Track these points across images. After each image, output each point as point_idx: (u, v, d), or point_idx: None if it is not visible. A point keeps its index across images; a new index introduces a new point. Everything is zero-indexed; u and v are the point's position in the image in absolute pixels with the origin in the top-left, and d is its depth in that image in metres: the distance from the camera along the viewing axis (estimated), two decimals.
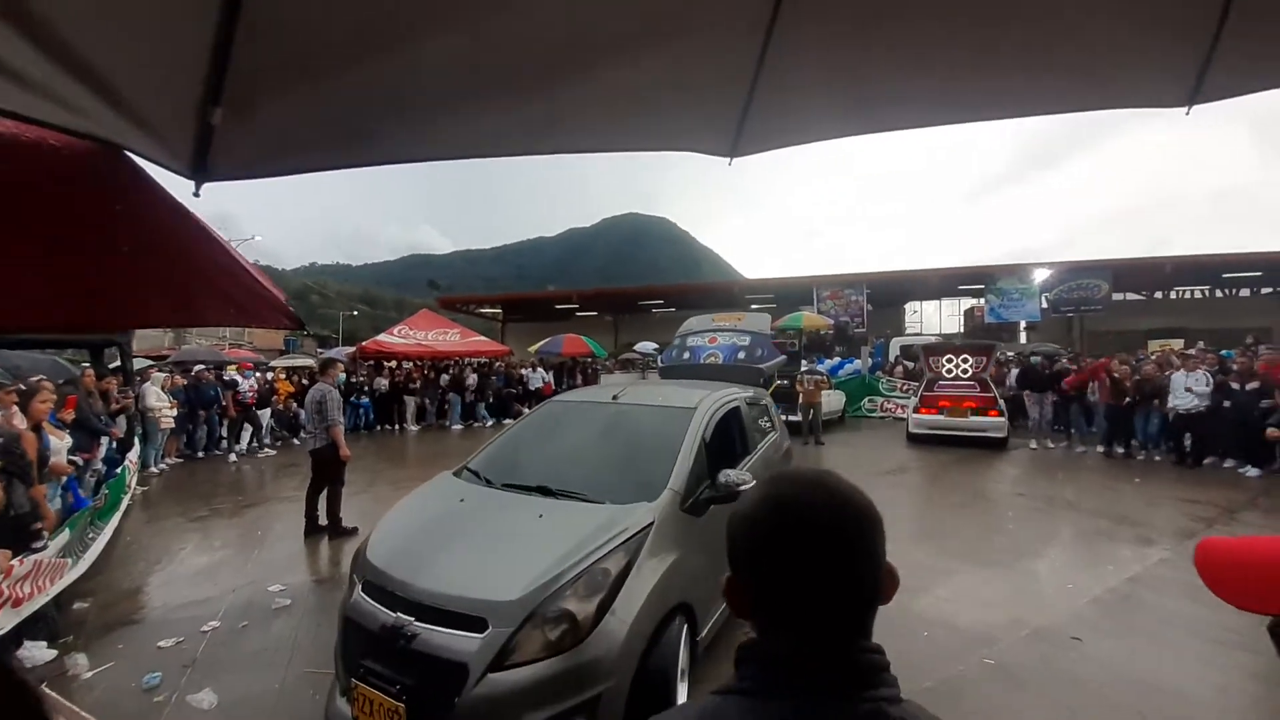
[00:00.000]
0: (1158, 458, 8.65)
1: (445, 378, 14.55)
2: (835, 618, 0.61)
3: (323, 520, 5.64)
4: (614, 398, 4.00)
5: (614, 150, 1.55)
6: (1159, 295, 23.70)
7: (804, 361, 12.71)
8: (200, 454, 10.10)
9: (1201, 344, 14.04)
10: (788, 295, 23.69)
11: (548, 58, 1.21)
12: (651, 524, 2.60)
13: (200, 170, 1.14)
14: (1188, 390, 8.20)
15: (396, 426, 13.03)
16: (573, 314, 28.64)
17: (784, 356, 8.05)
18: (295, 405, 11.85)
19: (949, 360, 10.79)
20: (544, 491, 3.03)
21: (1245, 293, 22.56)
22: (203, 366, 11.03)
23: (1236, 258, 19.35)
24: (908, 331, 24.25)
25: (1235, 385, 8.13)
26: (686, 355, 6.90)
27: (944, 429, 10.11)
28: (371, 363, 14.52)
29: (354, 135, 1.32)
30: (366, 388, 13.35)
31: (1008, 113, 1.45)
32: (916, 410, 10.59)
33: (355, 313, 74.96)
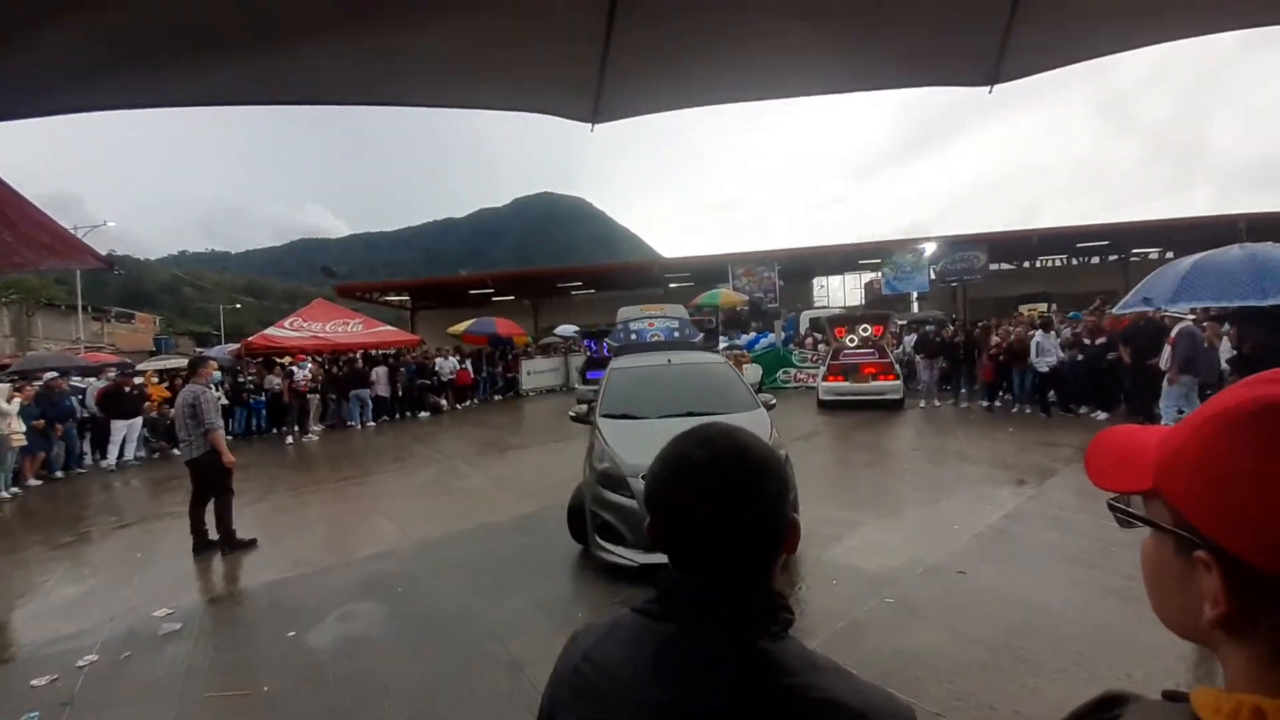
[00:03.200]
0: (1028, 410, 9.79)
1: (342, 371, 13.40)
2: (725, 556, 0.66)
3: (214, 534, 5.11)
4: (668, 360, 5.82)
5: (466, 107, 1.53)
6: (1027, 265, 26.69)
7: (723, 338, 13.09)
8: (60, 473, 8.89)
9: (1054, 306, 15.93)
10: (705, 273, 24.26)
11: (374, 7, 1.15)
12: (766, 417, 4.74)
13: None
14: (1040, 354, 9.31)
15: (295, 429, 11.95)
16: (489, 299, 27.69)
17: (702, 335, 9.40)
18: (171, 410, 10.63)
19: (851, 330, 11.55)
20: (689, 414, 4.62)
21: (1096, 260, 25.91)
22: (54, 374, 9.55)
23: (1088, 229, 22.12)
24: (816, 305, 25.69)
25: (1087, 341, 9.35)
26: (633, 336, 8.33)
27: (849, 394, 10.85)
28: (260, 360, 13.20)
29: (145, 66, 1.17)
30: (254, 386, 12.15)
31: (833, 88, 1.56)
32: (825, 379, 11.28)
33: (238, 305, 67.71)
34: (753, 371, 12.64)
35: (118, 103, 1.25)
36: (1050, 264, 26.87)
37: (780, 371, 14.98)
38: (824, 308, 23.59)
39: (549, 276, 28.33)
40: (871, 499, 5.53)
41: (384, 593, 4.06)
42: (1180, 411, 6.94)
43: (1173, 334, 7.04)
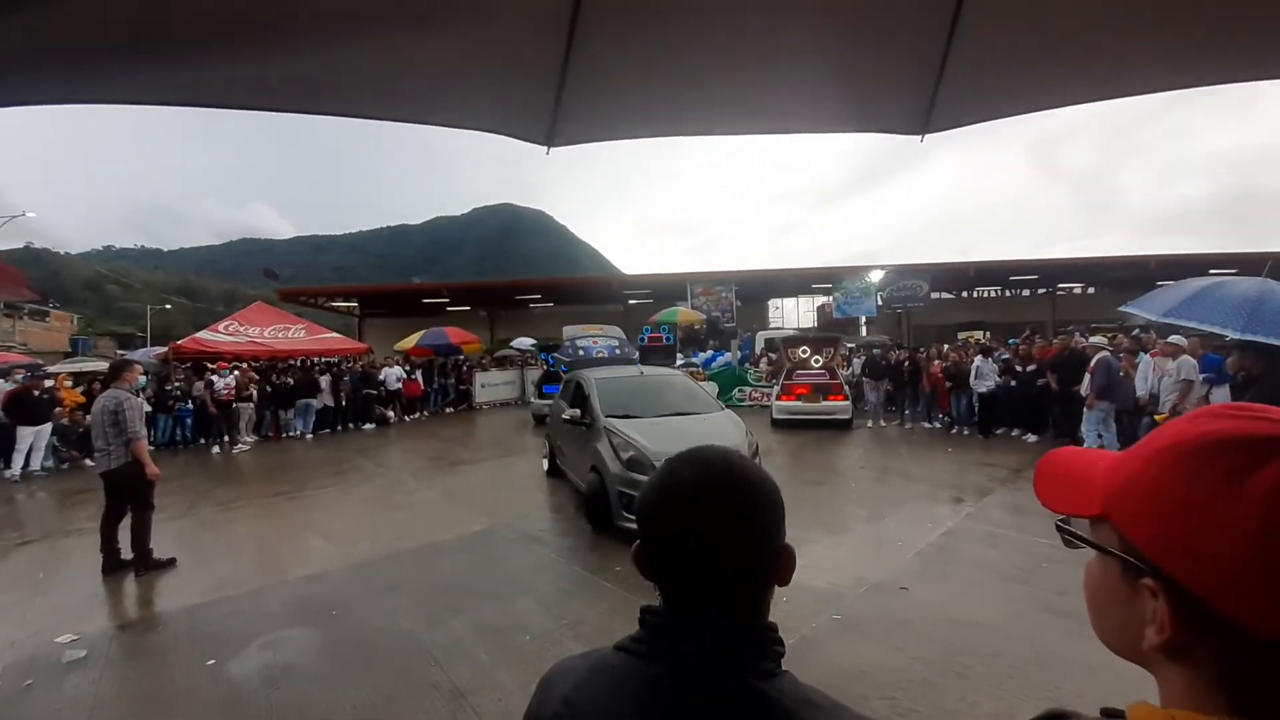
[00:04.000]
0: (966, 431, 10.28)
1: (289, 381, 12.58)
2: (721, 590, 0.64)
3: (126, 554, 4.69)
4: (640, 372, 7.26)
5: (417, 122, 1.53)
6: (965, 294, 28.28)
7: (680, 355, 13.20)
8: None
9: (990, 334, 16.88)
10: (664, 291, 24.48)
11: (333, 18, 1.15)
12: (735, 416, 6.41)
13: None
14: (979, 377, 9.86)
15: (224, 439, 11.20)
16: (443, 309, 26.99)
17: (636, 353, 10.84)
18: (86, 417, 9.80)
19: (803, 351, 11.88)
20: (677, 414, 6.13)
21: (1026, 293, 27.73)
22: None
23: (1019, 264, 23.69)
24: (771, 326, 26.32)
25: (1018, 368, 9.94)
26: (581, 353, 9.58)
27: (801, 414, 11.11)
28: (189, 365, 12.34)
29: (103, 60, 1.15)
30: (181, 393, 11.31)
31: (778, 128, 1.66)
32: (778, 398, 11.52)
33: (168, 306, 62.99)
34: (709, 389, 12.78)
35: (79, 97, 1.21)
36: (986, 294, 28.57)
37: (736, 390, 15.21)
38: (778, 329, 24.20)
39: (506, 288, 27.91)
40: (821, 517, 5.64)
41: (316, 617, 3.81)
42: (1100, 435, 7.45)
43: (1092, 363, 7.58)
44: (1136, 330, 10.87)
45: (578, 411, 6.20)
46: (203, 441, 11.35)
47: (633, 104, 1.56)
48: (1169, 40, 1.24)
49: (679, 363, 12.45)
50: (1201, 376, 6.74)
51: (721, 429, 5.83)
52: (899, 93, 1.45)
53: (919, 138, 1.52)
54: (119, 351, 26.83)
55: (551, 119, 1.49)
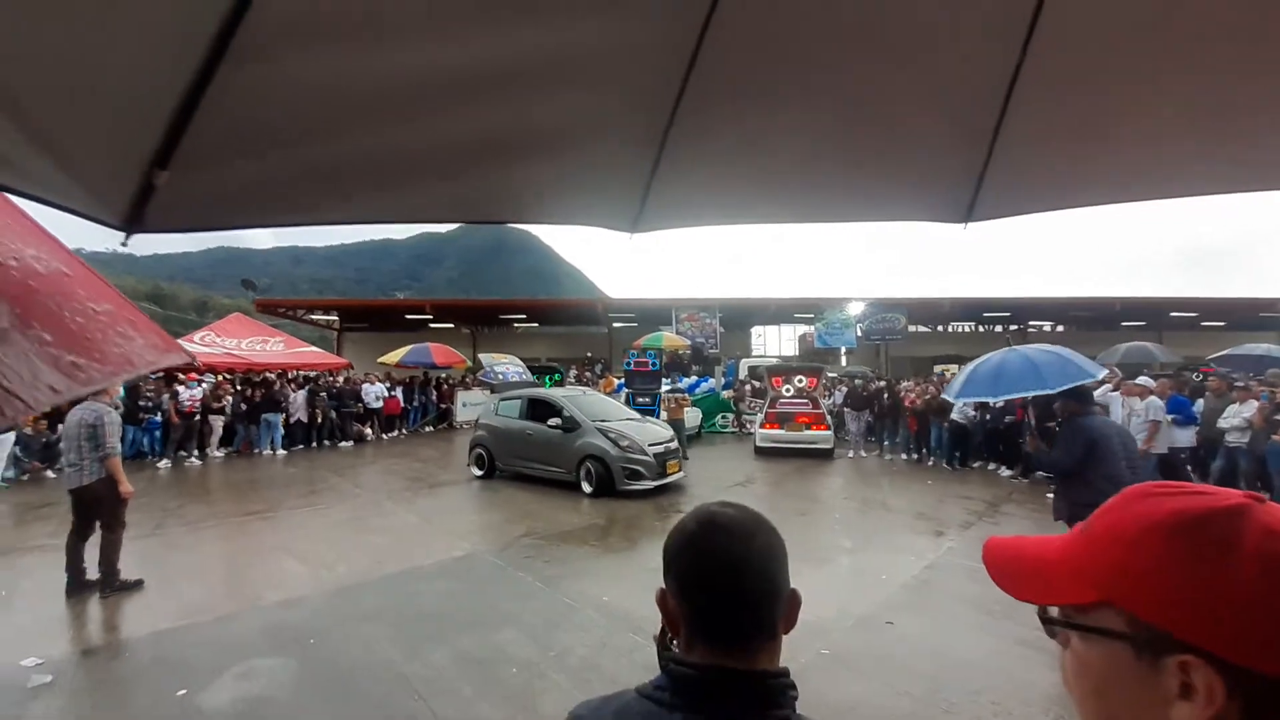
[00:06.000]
0: (944, 464, 10.47)
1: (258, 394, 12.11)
2: (740, 639, 0.68)
3: (92, 574, 4.50)
4: (584, 391, 10.16)
5: (524, 223, 1.74)
6: (940, 329, 29.05)
7: (665, 380, 13.25)
8: None
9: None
10: (648, 315, 24.66)
11: (472, 148, 1.34)
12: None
13: (134, 222, 1.16)
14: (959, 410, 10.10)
15: (178, 453, 10.82)
16: (425, 325, 26.74)
17: (533, 376, 14.02)
18: (47, 427, 9.42)
19: (787, 380, 12.04)
20: (628, 419, 8.85)
21: (999, 328, 28.60)
22: None
23: (992, 301, 24.49)
24: (754, 353, 26.61)
25: (990, 403, 10.21)
26: (500, 376, 12.55)
27: (784, 442, 11.21)
28: (162, 376, 11.95)
29: (284, 200, 1.35)
30: (152, 405, 10.89)
31: (835, 218, 1.82)
32: (762, 426, 11.61)
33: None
34: (692, 415, 12.83)
35: (264, 221, 1.38)
36: (961, 329, 29.40)
37: (719, 416, 15.29)
38: (761, 356, 24.48)
39: (491, 307, 27.81)
40: (806, 548, 5.67)
41: (292, 645, 3.69)
42: None
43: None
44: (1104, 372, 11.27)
45: (558, 420, 8.34)
46: (178, 454, 10.93)
47: (703, 198, 1.70)
48: (1211, 149, 1.38)
49: (664, 388, 12.47)
50: (1169, 417, 7.01)
51: (659, 428, 8.99)
52: (945, 186, 1.58)
53: (962, 226, 1.65)
54: None
55: (638, 210, 1.62)
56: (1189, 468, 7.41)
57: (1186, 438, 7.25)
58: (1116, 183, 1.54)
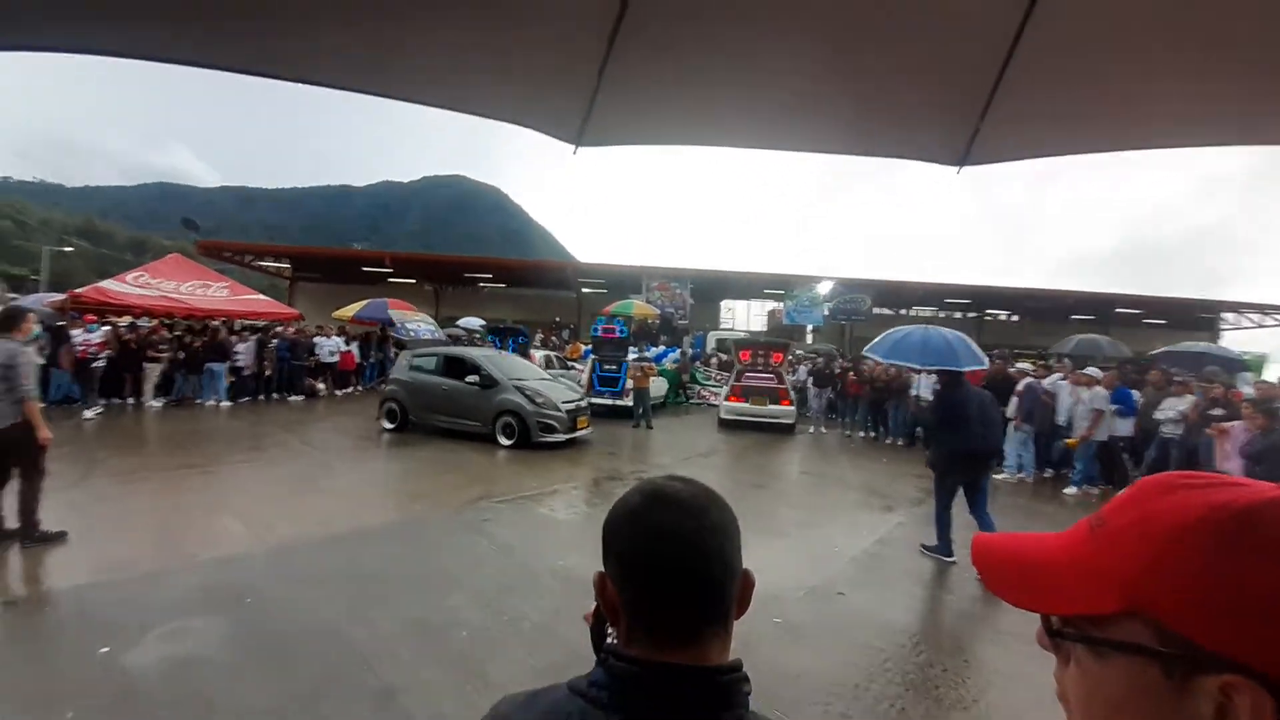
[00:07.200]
0: (900, 441, 10.79)
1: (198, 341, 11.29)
2: (687, 628, 0.60)
3: (11, 523, 4.17)
4: (501, 352, 10.95)
5: (454, 109, 1.49)
6: (904, 312, 29.79)
7: (632, 349, 13.15)
8: None
9: None
10: (619, 282, 24.40)
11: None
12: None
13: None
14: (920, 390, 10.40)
15: (130, 400, 10.14)
16: (384, 279, 25.75)
17: (444, 335, 13.21)
18: None
19: (754, 354, 12.11)
20: (541, 379, 9.68)
21: (959, 315, 29.52)
22: None
23: (953, 288, 25.20)
24: (723, 326, 26.74)
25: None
26: (412, 333, 11.92)
27: (747, 415, 11.33)
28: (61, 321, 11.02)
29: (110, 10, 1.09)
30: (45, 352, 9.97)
31: (817, 148, 1.69)
32: (727, 398, 11.70)
33: (69, 249, 56.20)
34: (658, 385, 12.82)
35: (81, 46, 1.13)
36: (922, 314, 30.24)
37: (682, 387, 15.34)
38: (730, 330, 24.61)
39: (456, 264, 26.92)
40: (764, 520, 5.75)
41: (227, 604, 3.51)
42: (1020, 455, 8.00)
43: (1019, 387, 8.11)
44: (1052, 359, 11.75)
45: (476, 378, 8.88)
46: (107, 402, 10.26)
47: (667, 110, 1.54)
48: (1211, 101, 1.30)
49: (632, 356, 12.38)
50: (1113, 407, 7.34)
51: (567, 386, 9.87)
52: (941, 124, 1.48)
53: (955, 169, 1.54)
54: (9, 295, 23.99)
55: (584, 117, 1.46)
56: (1126, 456, 7.84)
57: (1126, 428, 7.64)
58: (1114, 132, 1.48)
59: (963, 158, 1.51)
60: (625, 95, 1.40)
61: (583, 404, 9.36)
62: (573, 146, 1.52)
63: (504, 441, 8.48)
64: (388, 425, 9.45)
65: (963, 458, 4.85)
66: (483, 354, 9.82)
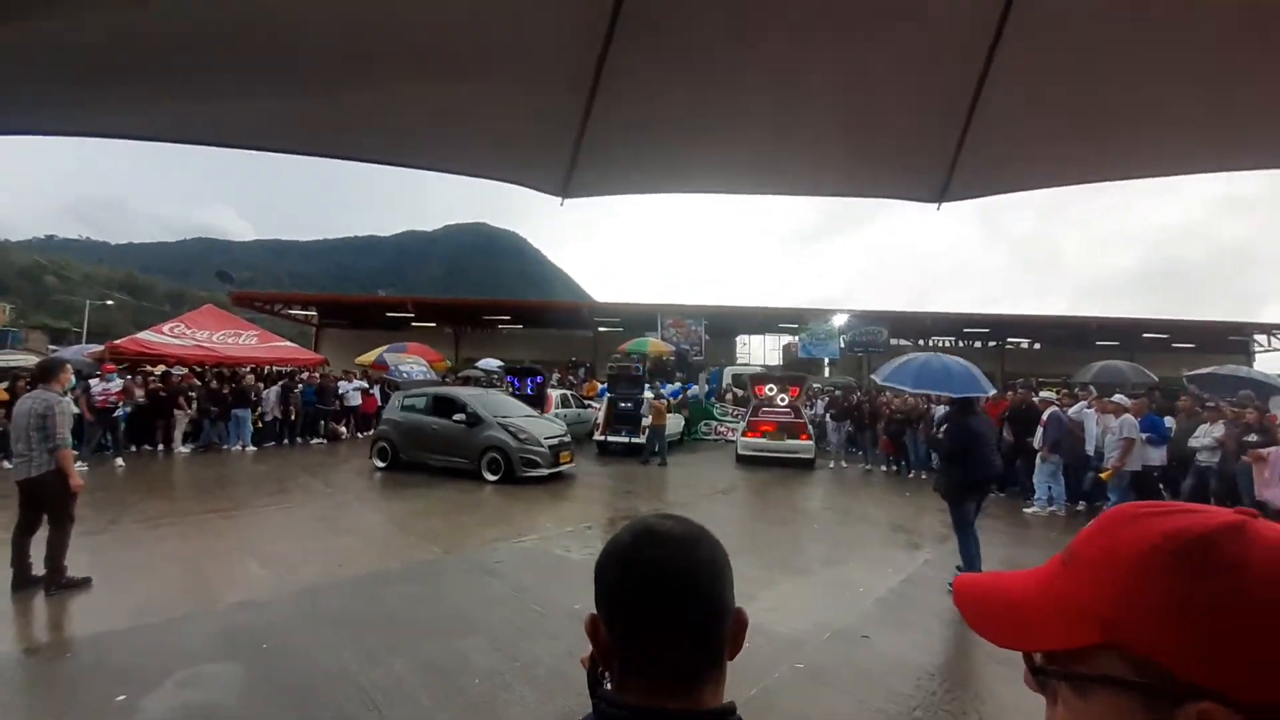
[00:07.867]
0: (923, 475, 10.50)
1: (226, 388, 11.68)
2: (681, 671, 0.59)
3: (38, 569, 4.27)
4: (487, 391, 11.25)
5: (441, 170, 1.55)
6: (921, 343, 29.42)
7: (648, 386, 13.17)
8: None
9: None
10: (634, 321, 24.60)
11: (367, 49, 1.16)
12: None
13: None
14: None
15: (160, 447, 10.41)
16: (408, 324, 26.36)
17: (436, 376, 14.08)
18: (4, 416, 9.00)
19: (771, 389, 12.03)
20: (527, 415, 9.89)
21: (979, 345, 29.05)
22: None
23: (972, 316, 24.88)
24: (739, 361, 26.66)
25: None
26: (405, 375, 12.82)
27: (766, 451, 11.18)
28: (126, 367, 11.51)
29: (95, 93, 1.15)
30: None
31: (797, 191, 1.73)
32: (744, 434, 11.58)
33: (110, 302, 58.18)
34: (675, 422, 12.76)
35: (75, 128, 1.21)
36: (941, 344, 29.80)
37: (702, 423, 15.24)
38: (745, 364, 24.52)
39: (475, 307, 27.54)
40: (784, 557, 5.61)
41: (245, 650, 3.51)
42: (1050, 488, 7.72)
43: (1044, 417, 7.90)
44: (1076, 388, 11.45)
45: (463, 416, 9.15)
46: (135, 449, 10.56)
47: (649, 161, 1.58)
48: (1188, 128, 1.34)
49: (647, 394, 12.40)
50: (1143, 435, 7.10)
51: (550, 422, 10.10)
52: (918, 163, 1.52)
53: (935, 206, 1.57)
54: (51, 347, 25.09)
55: (568, 171, 1.50)
56: (1160, 486, 7.51)
57: (1159, 456, 7.35)
58: (1091, 163, 1.50)
59: (940, 194, 1.55)
60: (606, 148, 1.45)
61: (566, 438, 9.48)
62: (559, 199, 1.58)
63: (489, 477, 8.64)
64: (379, 464, 9.68)
65: (976, 484, 4.93)
66: (469, 393, 10.17)
